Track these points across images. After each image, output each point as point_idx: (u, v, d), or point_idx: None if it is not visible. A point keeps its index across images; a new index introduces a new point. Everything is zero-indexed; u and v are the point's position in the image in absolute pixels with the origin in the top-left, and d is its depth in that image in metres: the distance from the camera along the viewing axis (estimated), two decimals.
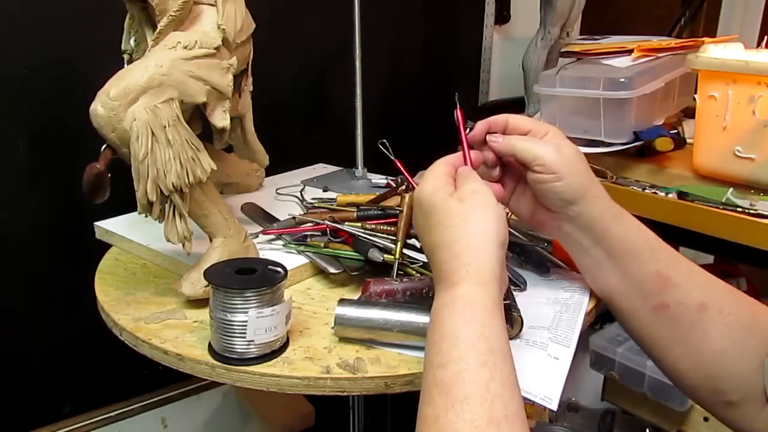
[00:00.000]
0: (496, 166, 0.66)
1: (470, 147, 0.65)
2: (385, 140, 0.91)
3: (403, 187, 0.90)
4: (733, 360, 0.57)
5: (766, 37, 1.08)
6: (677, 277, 0.59)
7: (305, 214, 0.86)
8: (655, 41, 1.23)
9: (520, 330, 0.63)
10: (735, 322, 0.58)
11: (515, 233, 0.80)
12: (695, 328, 0.58)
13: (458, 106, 0.66)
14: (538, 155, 0.60)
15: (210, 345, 0.62)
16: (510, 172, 0.67)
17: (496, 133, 0.65)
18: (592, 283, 0.67)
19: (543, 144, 0.61)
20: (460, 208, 0.54)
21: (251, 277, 0.60)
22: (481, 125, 0.65)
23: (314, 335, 0.65)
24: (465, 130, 0.65)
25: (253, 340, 0.58)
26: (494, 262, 0.52)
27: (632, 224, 0.61)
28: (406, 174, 0.89)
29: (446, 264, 0.52)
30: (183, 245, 0.67)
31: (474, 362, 0.46)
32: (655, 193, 1.07)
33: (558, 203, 0.61)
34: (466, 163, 0.62)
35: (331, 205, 0.90)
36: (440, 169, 0.59)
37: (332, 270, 0.74)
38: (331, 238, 0.79)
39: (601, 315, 1.10)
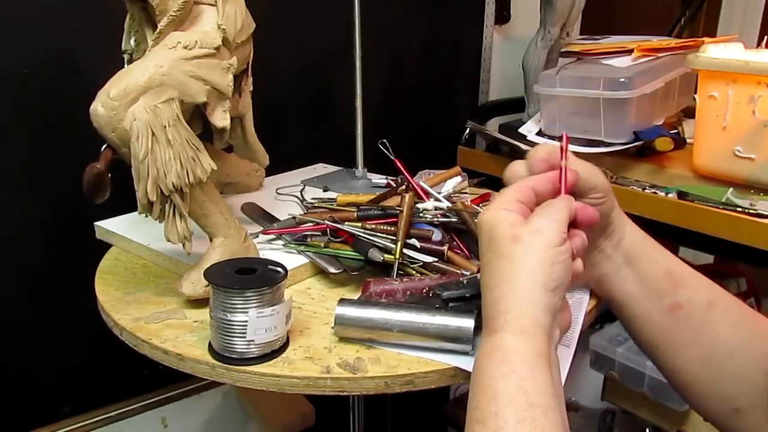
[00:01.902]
0: None
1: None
2: (385, 140, 0.91)
3: (403, 187, 0.90)
4: (741, 362, 0.58)
5: (766, 37, 1.08)
6: (685, 276, 0.60)
7: (305, 214, 0.86)
8: (655, 41, 1.23)
9: None
10: (741, 322, 0.59)
11: None
12: (705, 327, 0.59)
13: (565, 133, 0.61)
14: (594, 185, 0.58)
15: (210, 345, 0.62)
16: None
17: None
18: (609, 292, 0.65)
19: (593, 173, 0.58)
20: (511, 248, 0.50)
21: (251, 277, 0.60)
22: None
23: (314, 335, 0.65)
24: (565, 156, 0.57)
25: (253, 340, 0.58)
26: (539, 309, 0.49)
27: (637, 227, 0.63)
28: (406, 174, 0.89)
29: (488, 309, 0.50)
30: (183, 245, 0.67)
31: (512, 419, 0.44)
32: (655, 193, 1.07)
33: (603, 222, 0.60)
34: (558, 192, 0.55)
35: (331, 205, 0.90)
36: (511, 194, 0.54)
37: (332, 270, 0.74)
38: (331, 238, 0.79)
39: (601, 315, 1.10)
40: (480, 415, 0.45)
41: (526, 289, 0.49)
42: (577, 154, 1.11)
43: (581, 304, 0.69)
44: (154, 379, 1.17)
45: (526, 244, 0.50)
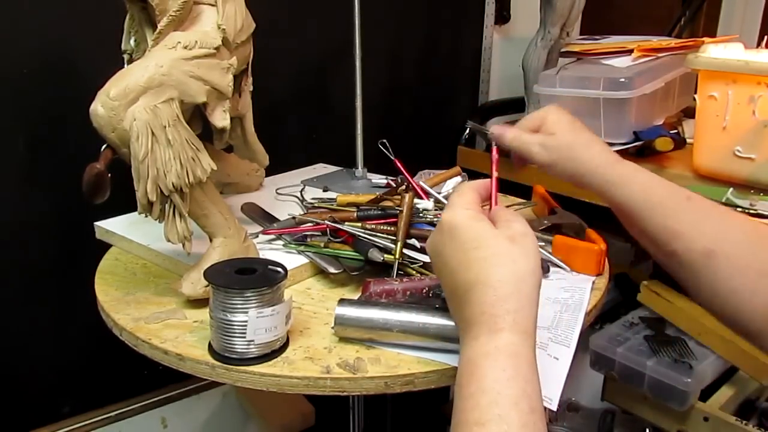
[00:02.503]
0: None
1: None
2: (385, 140, 0.91)
3: (403, 187, 0.90)
4: (745, 300, 0.60)
5: (766, 37, 1.08)
6: (683, 227, 0.63)
7: (305, 214, 0.86)
8: (655, 41, 1.23)
9: None
10: (746, 265, 0.60)
11: None
12: (704, 272, 0.62)
13: (495, 145, 0.70)
14: (529, 156, 0.71)
15: (210, 345, 0.62)
16: None
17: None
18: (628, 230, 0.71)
19: (531, 144, 0.70)
20: (511, 248, 0.51)
21: (251, 277, 0.60)
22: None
23: (314, 335, 0.65)
24: (496, 169, 0.64)
25: (253, 340, 0.58)
26: (536, 311, 0.50)
27: (637, 186, 0.65)
28: (406, 174, 0.89)
29: (490, 306, 0.49)
30: (183, 245, 0.67)
31: (516, 423, 0.43)
32: None
33: (568, 181, 0.69)
34: (492, 204, 0.60)
35: (331, 205, 0.90)
36: (473, 197, 0.56)
37: (332, 270, 0.74)
38: (331, 238, 0.79)
39: (601, 315, 1.10)
40: (480, 417, 0.44)
41: (530, 289, 0.50)
42: None
43: (581, 305, 0.70)
44: (154, 379, 1.17)
45: (522, 245, 0.51)
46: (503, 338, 0.47)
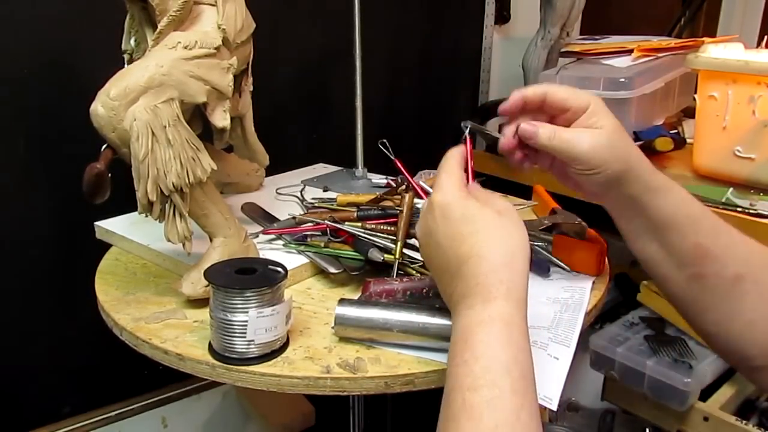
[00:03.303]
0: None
1: (506, 118, 0.63)
2: (385, 140, 0.91)
3: (403, 187, 0.90)
4: (761, 330, 0.57)
5: (766, 37, 1.08)
6: (716, 249, 0.59)
7: (305, 214, 0.86)
8: (655, 41, 1.23)
9: None
10: None
11: None
12: (729, 298, 0.58)
13: (467, 134, 0.65)
14: (575, 157, 0.59)
15: (210, 345, 0.62)
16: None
17: (530, 108, 0.62)
18: (630, 247, 0.66)
19: (577, 141, 0.59)
20: (501, 220, 0.52)
21: (251, 277, 0.60)
22: (517, 97, 0.62)
23: (314, 335, 0.65)
24: (470, 147, 0.63)
25: (253, 340, 0.58)
26: (526, 281, 0.51)
27: (675, 197, 0.60)
28: (406, 174, 0.89)
29: (484, 276, 0.50)
30: (183, 245, 0.67)
31: (508, 389, 0.44)
32: None
33: (597, 189, 0.61)
34: (469, 179, 0.60)
35: (331, 205, 0.90)
36: (460, 176, 0.57)
37: (332, 270, 0.74)
38: (331, 238, 0.79)
39: (601, 315, 1.10)
40: (473, 382, 0.45)
41: (522, 260, 0.51)
42: None
43: (581, 305, 0.70)
44: (154, 379, 1.17)
45: (509, 217, 0.53)
46: (497, 306, 0.48)
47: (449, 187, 0.55)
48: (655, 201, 0.60)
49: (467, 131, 0.65)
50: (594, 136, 0.59)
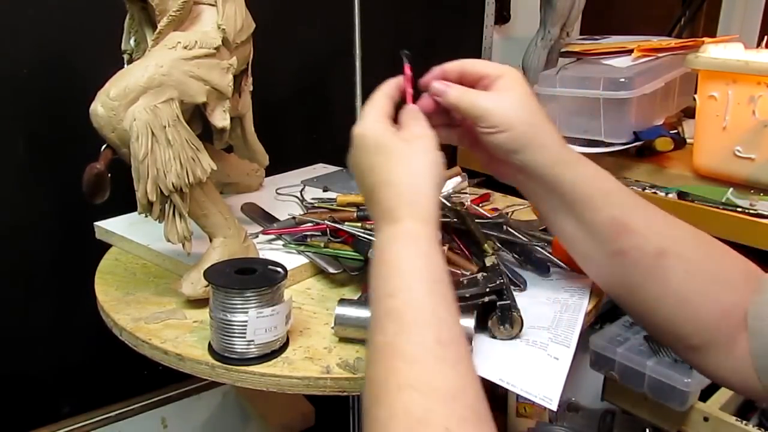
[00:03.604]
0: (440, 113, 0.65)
1: (420, 91, 0.65)
2: None
3: None
4: (693, 307, 0.56)
5: (766, 37, 1.08)
6: (634, 223, 0.58)
7: (305, 214, 0.86)
8: (655, 41, 1.23)
9: (520, 330, 0.63)
10: (696, 269, 0.57)
11: (515, 233, 0.80)
12: (654, 274, 0.57)
13: (406, 56, 0.68)
14: (479, 114, 0.59)
15: (210, 345, 0.62)
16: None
17: (450, 80, 0.64)
18: (551, 229, 0.66)
19: (482, 99, 0.60)
20: (405, 148, 0.55)
21: (251, 277, 0.60)
22: (436, 71, 0.65)
23: (314, 335, 0.65)
24: (409, 66, 0.66)
25: (253, 340, 0.58)
26: (434, 202, 0.54)
27: (587, 171, 0.60)
28: None
29: (388, 201, 0.53)
30: (183, 245, 0.67)
31: (421, 291, 0.48)
32: (655, 193, 1.07)
33: (502, 153, 0.60)
34: (407, 100, 0.63)
35: (331, 205, 0.90)
36: (383, 104, 0.60)
37: (332, 270, 0.74)
38: (331, 238, 0.79)
39: (601, 315, 1.10)
40: (390, 290, 0.48)
41: (425, 184, 0.54)
42: None
43: (581, 305, 0.70)
44: (154, 379, 1.17)
45: (415, 145, 0.56)
46: (402, 225, 0.52)
47: (368, 117, 0.58)
48: (565, 174, 0.59)
49: (405, 59, 0.67)
50: (500, 96, 0.60)
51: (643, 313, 0.60)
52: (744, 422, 1.01)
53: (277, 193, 1.00)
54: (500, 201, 0.99)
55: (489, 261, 0.69)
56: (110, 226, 0.87)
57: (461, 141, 0.67)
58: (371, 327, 0.49)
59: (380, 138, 0.56)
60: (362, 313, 0.62)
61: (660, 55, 1.19)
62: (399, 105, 0.63)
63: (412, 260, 0.50)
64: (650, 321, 0.60)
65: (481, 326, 0.63)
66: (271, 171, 1.03)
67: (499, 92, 0.60)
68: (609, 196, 0.59)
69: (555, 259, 0.78)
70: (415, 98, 0.64)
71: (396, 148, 0.55)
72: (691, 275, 0.57)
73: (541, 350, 0.61)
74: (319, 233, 0.80)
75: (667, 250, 0.57)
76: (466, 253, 0.77)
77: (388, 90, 0.62)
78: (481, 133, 0.60)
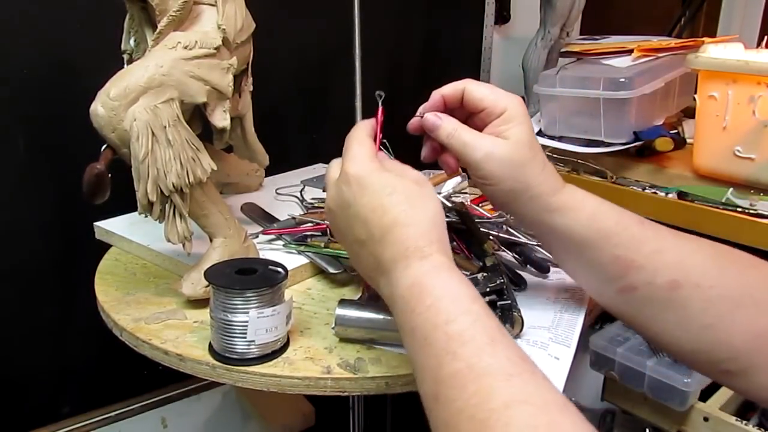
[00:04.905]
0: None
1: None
2: (385, 141, 0.90)
3: None
4: (721, 333, 0.53)
5: (766, 37, 1.08)
6: (641, 259, 0.55)
7: (305, 214, 0.86)
8: (655, 41, 1.23)
9: (521, 330, 0.63)
10: (717, 296, 0.53)
11: (515, 233, 0.80)
12: (669, 307, 0.54)
13: (380, 104, 0.65)
14: (469, 163, 0.58)
15: (210, 345, 0.62)
16: None
17: (451, 105, 0.61)
18: (558, 265, 0.64)
19: (473, 147, 0.57)
20: (421, 190, 0.54)
21: (252, 278, 0.60)
22: (436, 97, 0.62)
23: (315, 335, 0.65)
24: (381, 117, 0.64)
25: (253, 341, 0.58)
26: (448, 243, 0.53)
27: (581, 215, 0.57)
28: None
29: (414, 241, 0.51)
30: (183, 245, 0.67)
31: (481, 312, 0.46)
32: (655, 193, 1.07)
33: (494, 201, 0.60)
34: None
35: None
36: (371, 146, 0.57)
37: (332, 270, 0.74)
38: (331, 238, 0.78)
39: (601, 315, 1.10)
40: (447, 317, 0.45)
41: (442, 225, 0.53)
42: (576, 154, 1.10)
43: (581, 305, 0.70)
44: (154, 379, 1.17)
45: (426, 186, 0.54)
46: (435, 259, 0.50)
47: (362, 157, 0.55)
48: (558, 220, 0.58)
49: (380, 101, 0.65)
50: (494, 145, 0.57)
51: (668, 343, 0.57)
52: (744, 422, 1.01)
53: (277, 193, 1.00)
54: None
55: (489, 261, 0.69)
56: (110, 226, 0.87)
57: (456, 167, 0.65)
58: (425, 360, 0.45)
59: (389, 179, 0.53)
60: (363, 313, 0.62)
61: (660, 55, 1.19)
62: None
63: (458, 286, 0.48)
64: (676, 350, 0.57)
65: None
66: (271, 171, 1.03)
67: (493, 139, 0.57)
68: (608, 237, 0.57)
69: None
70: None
71: (411, 190, 0.53)
72: (712, 303, 0.53)
73: (542, 350, 0.61)
74: (320, 233, 0.80)
75: (680, 281, 0.54)
76: (466, 253, 0.77)
77: (369, 131, 0.60)
78: (474, 179, 0.59)
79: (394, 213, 0.52)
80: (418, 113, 0.62)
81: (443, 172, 0.65)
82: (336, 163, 0.58)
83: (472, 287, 0.48)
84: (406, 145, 0.94)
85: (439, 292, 0.47)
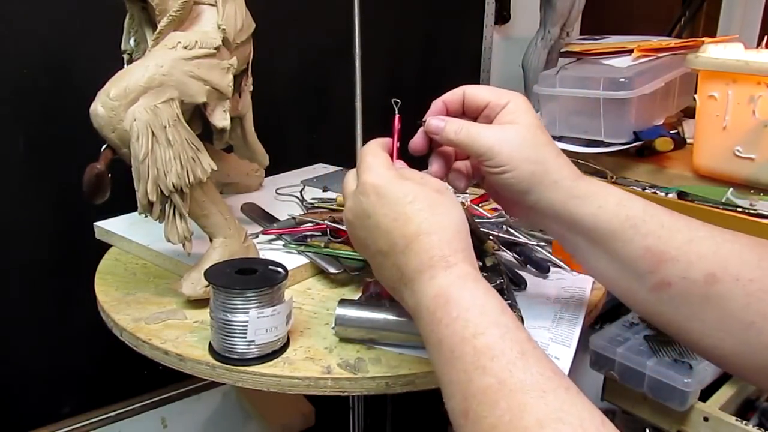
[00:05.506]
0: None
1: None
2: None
3: None
4: (767, 332, 0.48)
5: (766, 37, 1.08)
6: (673, 250, 0.51)
7: (305, 214, 0.86)
8: (655, 41, 1.23)
9: None
10: (759, 289, 0.48)
11: (515, 233, 0.80)
12: (708, 302, 0.50)
13: (397, 113, 0.63)
14: (481, 152, 0.55)
15: (210, 345, 0.62)
16: None
17: (452, 111, 0.60)
18: (586, 271, 0.60)
19: (483, 135, 0.55)
20: (443, 199, 0.52)
21: (252, 278, 0.60)
22: (438, 104, 0.60)
23: (315, 335, 0.65)
24: (398, 125, 0.63)
25: (253, 341, 0.58)
26: (472, 250, 0.52)
27: (607, 202, 0.54)
28: None
29: (439, 250, 0.49)
30: (183, 245, 0.67)
31: (510, 325, 0.44)
32: (655, 193, 1.07)
33: (511, 193, 0.56)
34: (393, 159, 0.59)
35: (331, 205, 0.90)
36: (386, 157, 0.56)
37: (332, 270, 0.74)
38: (332, 238, 0.79)
39: (601, 315, 1.10)
40: (475, 329, 0.44)
41: (466, 233, 0.52)
42: (576, 154, 1.10)
43: (581, 305, 0.70)
44: (154, 379, 1.17)
45: (448, 195, 0.53)
46: (461, 269, 0.49)
47: (379, 167, 0.54)
48: (583, 209, 0.54)
49: (397, 108, 0.63)
50: (503, 130, 0.56)
51: (710, 346, 0.52)
52: (744, 422, 1.01)
53: (277, 193, 1.00)
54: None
55: (489, 261, 0.69)
56: (110, 226, 0.87)
57: (474, 178, 0.63)
58: (459, 376, 0.43)
59: (409, 188, 0.52)
60: (363, 313, 0.62)
61: (660, 55, 1.19)
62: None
63: (485, 297, 0.46)
64: (719, 354, 0.51)
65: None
66: (271, 171, 1.03)
67: (502, 126, 0.56)
68: (638, 225, 0.53)
69: (555, 259, 0.78)
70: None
71: (433, 198, 0.52)
72: (756, 298, 0.48)
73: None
74: (320, 233, 0.80)
75: (718, 275, 0.50)
76: None
77: (381, 143, 0.59)
78: (486, 173, 0.57)
79: (417, 221, 0.51)
80: (420, 122, 0.61)
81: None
82: (351, 174, 0.57)
83: (499, 298, 0.47)
84: (406, 146, 0.94)
85: (467, 303, 0.46)
